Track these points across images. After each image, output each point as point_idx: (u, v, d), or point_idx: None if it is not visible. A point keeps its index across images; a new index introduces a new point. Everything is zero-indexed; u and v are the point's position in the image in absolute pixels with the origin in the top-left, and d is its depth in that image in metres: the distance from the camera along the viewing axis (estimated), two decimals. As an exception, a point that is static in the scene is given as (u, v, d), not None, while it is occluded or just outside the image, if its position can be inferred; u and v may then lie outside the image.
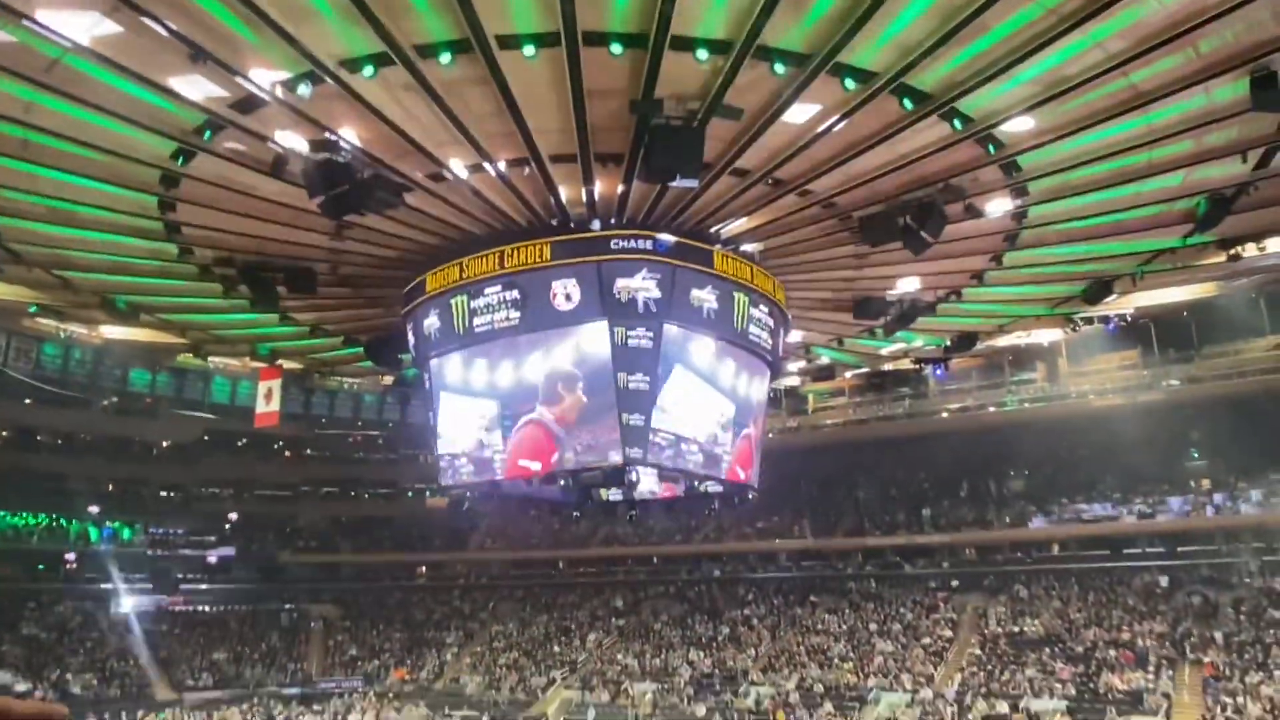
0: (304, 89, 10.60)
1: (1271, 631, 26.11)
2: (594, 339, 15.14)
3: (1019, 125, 11.98)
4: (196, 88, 10.60)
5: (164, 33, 9.22)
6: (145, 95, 10.68)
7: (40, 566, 39.36)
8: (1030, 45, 9.93)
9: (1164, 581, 30.69)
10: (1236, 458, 31.21)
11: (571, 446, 15.59)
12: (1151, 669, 26.14)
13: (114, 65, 9.92)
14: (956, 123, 11.86)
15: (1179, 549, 31.24)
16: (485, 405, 16.48)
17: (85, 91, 10.56)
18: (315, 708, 32.24)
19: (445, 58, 10.11)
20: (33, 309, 19.26)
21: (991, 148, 12.59)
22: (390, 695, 34.94)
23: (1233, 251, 16.49)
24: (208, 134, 11.80)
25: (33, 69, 10.06)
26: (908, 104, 11.34)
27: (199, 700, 33.35)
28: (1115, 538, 32.62)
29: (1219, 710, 23.17)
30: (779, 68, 10.45)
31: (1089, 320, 21.48)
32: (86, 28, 9.29)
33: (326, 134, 11.73)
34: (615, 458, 15.11)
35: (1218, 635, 26.73)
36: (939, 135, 12.23)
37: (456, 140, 12.08)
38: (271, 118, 11.40)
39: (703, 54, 10.18)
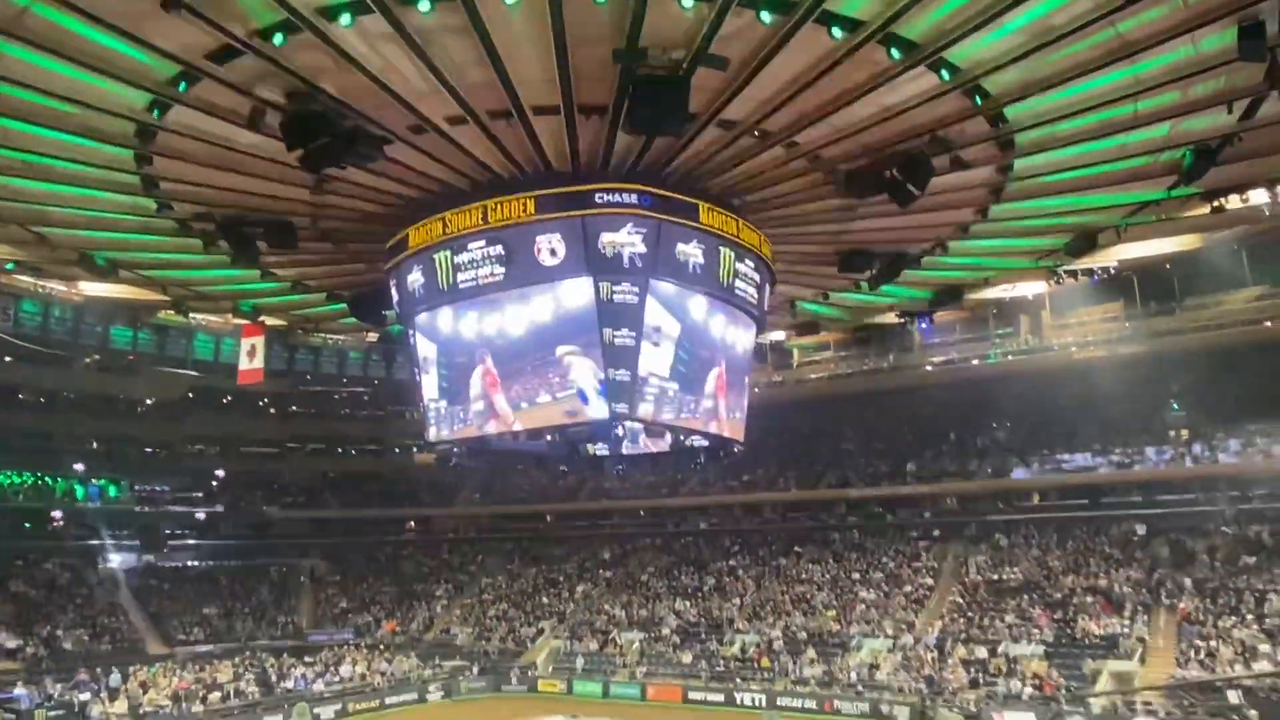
0: (280, 39, 10.38)
1: (1245, 578, 26.72)
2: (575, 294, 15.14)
3: (1006, 76, 11.89)
4: (170, 37, 10.36)
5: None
6: (118, 45, 10.44)
7: (26, 525, 39.33)
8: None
9: (1141, 530, 31.27)
10: (1215, 408, 31.61)
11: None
12: (1127, 614, 26.75)
13: (84, 14, 9.68)
14: (944, 73, 11.75)
15: (1157, 498, 31.77)
16: (470, 360, 16.46)
17: (56, 42, 10.30)
18: (306, 660, 32.62)
19: (424, 5, 9.90)
20: (10, 266, 19.02)
21: (978, 99, 12.50)
22: (381, 647, 35.39)
23: (1216, 203, 16.53)
24: (183, 85, 11.57)
25: (0, 19, 9.79)
26: (895, 54, 11.22)
27: (191, 654, 33.66)
28: (1094, 487, 33.13)
29: (1192, 654, 23.78)
30: (765, 15, 10.29)
31: (1073, 273, 21.55)
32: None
33: (304, 85, 11.51)
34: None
35: (1193, 582, 27.33)
36: (926, 86, 12.13)
37: (437, 91, 11.90)
38: (248, 69, 11.17)
39: (688, 1, 10.00)
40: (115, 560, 40.55)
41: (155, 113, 12.27)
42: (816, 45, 11.01)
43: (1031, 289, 25.15)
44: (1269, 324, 29.70)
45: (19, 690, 25.52)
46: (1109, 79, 11.95)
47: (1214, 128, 13.61)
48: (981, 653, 26.72)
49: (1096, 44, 11.06)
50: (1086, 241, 18.69)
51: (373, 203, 16.14)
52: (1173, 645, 24.86)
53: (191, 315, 23.60)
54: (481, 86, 11.91)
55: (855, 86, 12.10)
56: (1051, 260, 20.76)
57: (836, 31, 10.67)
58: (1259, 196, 16.49)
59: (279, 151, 12.42)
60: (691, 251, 15.48)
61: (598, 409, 15.12)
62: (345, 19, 10.07)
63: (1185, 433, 32.04)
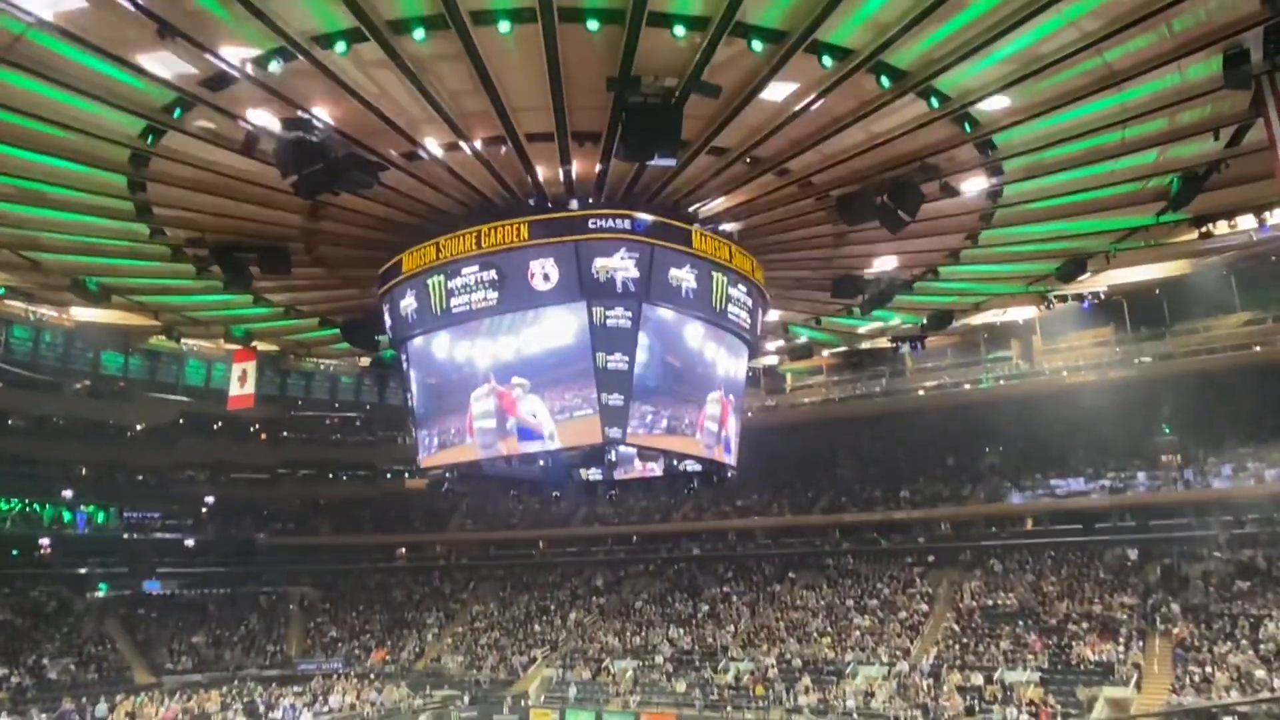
0: (275, 66, 10.44)
1: (1239, 603, 26.68)
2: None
3: (995, 104, 12.02)
4: (165, 64, 10.40)
5: (130, 8, 9.04)
6: (112, 72, 10.48)
7: (14, 552, 38.95)
8: (1006, 23, 9.94)
9: (1134, 555, 31.24)
10: (1206, 433, 31.73)
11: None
12: (1122, 640, 26.65)
13: (79, 41, 9.72)
14: (933, 101, 11.88)
15: (1150, 523, 31.79)
16: (465, 384, 16.40)
17: (51, 68, 10.34)
18: (296, 689, 32.23)
19: (419, 34, 9.98)
20: (1, 291, 18.93)
21: (967, 126, 12.63)
22: (371, 676, 35.00)
23: (1204, 229, 16.66)
24: (177, 112, 11.61)
25: (-5, 45, 9.83)
26: (885, 82, 11.34)
27: (179, 683, 33.25)
28: (1087, 512, 33.14)
29: (1188, 680, 23.68)
30: (757, 45, 10.40)
31: (1063, 298, 21.67)
32: (50, 2, 9.09)
33: (299, 112, 11.56)
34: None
35: (1187, 607, 27.27)
36: (916, 113, 12.25)
37: (431, 118, 11.96)
38: (243, 95, 11.22)
39: (680, 30, 10.11)
40: (103, 588, 40.10)
41: (149, 139, 12.30)
42: (807, 73, 11.13)
43: (1022, 314, 25.27)
44: (1258, 349, 29.87)
45: (3, 721, 25.19)
46: (1096, 106, 12.08)
47: (1201, 154, 13.75)
48: (977, 679, 26.58)
49: (1084, 72, 11.19)
50: (1076, 266, 18.81)
51: (366, 228, 16.16)
52: (1168, 671, 24.77)
53: (183, 340, 23.52)
54: (476, 114, 11.98)
55: (846, 114, 12.21)
56: (1042, 285, 20.87)
57: (827, 60, 10.79)
58: (1247, 222, 16.62)
59: (273, 177, 12.44)
60: (684, 276, 15.52)
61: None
62: (341, 47, 10.15)
63: (1177, 457, 32.13)
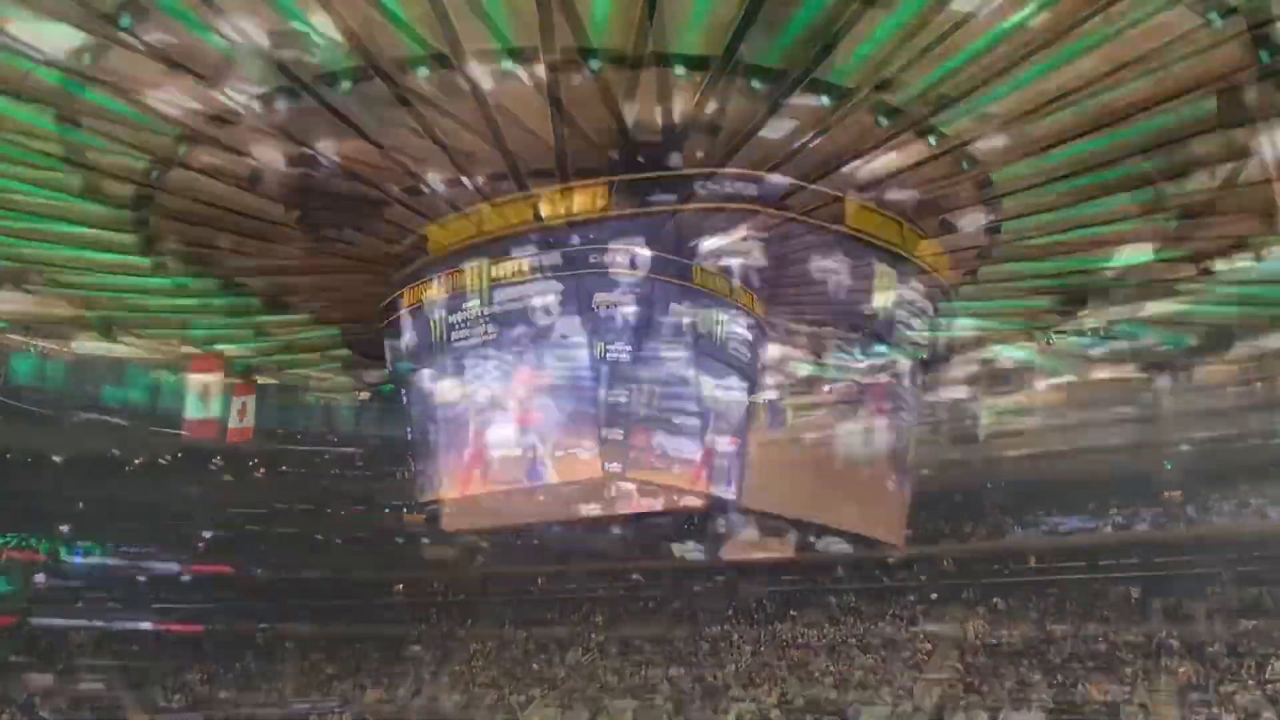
0: (282, 103, 10.56)
1: (1245, 641, 26.39)
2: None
3: (992, 142, 12.12)
4: (172, 102, 10.52)
5: (140, 46, 9.16)
6: (120, 109, 10.59)
7: (9, 586, 38.58)
8: (1004, 64, 10.07)
9: (1138, 592, 30.98)
10: (1209, 471, 31.55)
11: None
12: (1128, 680, 26.32)
13: (89, 78, 9.84)
14: (931, 139, 11.98)
15: (1153, 560, 31.54)
16: (463, 418, 16.37)
17: (59, 104, 10.45)
18: (291, 728, 31.80)
19: (423, 73, 10.12)
20: (2, 325, 18.98)
21: (965, 164, 12.72)
22: (368, 716, 34.51)
23: (1203, 266, 16.72)
24: (184, 148, 11.72)
25: (5, 81, 9.94)
26: (884, 120, 11.46)
27: (172, 722, 32.81)
28: (1091, 549, 32.89)
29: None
30: (756, 84, 10.54)
31: (1063, 333, 21.68)
32: (60, 41, 9.22)
33: (304, 148, 11.67)
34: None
35: (1192, 645, 26.98)
36: (914, 151, 12.35)
37: (435, 155, 12.07)
38: (249, 132, 11.33)
39: (681, 70, 10.25)
40: (98, 623, 39.72)
41: (155, 174, 12.39)
42: (807, 112, 11.24)
43: (1023, 349, 25.28)
44: (1259, 385, 29.82)
45: (-8, 761, 24.80)
46: (1094, 144, 12.19)
47: (1198, 192, 13.84)
48: (982, 719, 26.19)
49: (1082, 111, 11.30)
50: (1076, 303, 18.85)
51: (369, 261, 16.22)
52: (1174, 711, 24.42)
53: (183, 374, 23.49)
54: (479, 151, 12.10)
55: (844, 150, 12.32)
56: (1042, 321, 20.90)
57: (826, 99, 10.91)
58: (1245, 258, 16.68)
59: (278, 212, 12.54)
60: (685, 311, 15.55)
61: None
62: (345, 85, 10.28)
63: (1180, 494, 31.97)
